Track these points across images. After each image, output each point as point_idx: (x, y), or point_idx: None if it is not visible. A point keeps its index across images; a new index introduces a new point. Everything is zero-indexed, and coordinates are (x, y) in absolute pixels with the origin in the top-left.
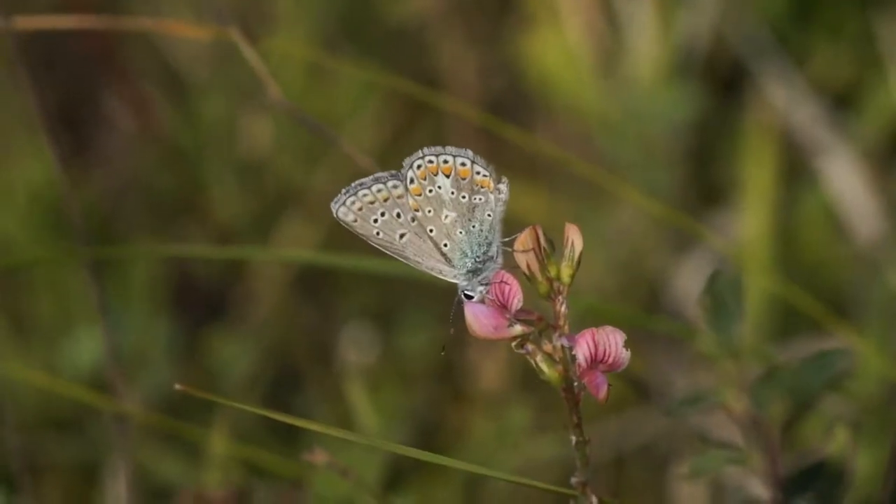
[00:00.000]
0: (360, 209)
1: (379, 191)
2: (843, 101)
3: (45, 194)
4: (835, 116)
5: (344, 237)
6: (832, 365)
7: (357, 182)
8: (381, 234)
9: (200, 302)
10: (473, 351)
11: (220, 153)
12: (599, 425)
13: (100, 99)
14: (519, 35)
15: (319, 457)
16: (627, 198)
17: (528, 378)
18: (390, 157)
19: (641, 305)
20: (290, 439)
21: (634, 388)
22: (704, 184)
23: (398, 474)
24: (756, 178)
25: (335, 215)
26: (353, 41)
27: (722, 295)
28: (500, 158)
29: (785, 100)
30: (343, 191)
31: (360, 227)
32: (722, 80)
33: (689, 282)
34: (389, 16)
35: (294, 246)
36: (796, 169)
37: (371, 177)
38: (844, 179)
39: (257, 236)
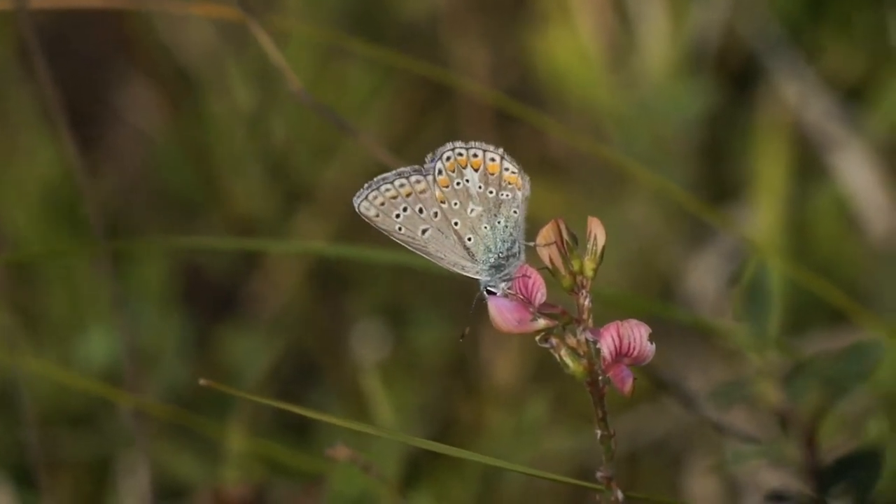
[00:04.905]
0: (382, 204)
1: (401, 185)
2: (855, 96)
3: (56, 189)
4: (847, 111)
5: (356, 232)
6: (866, 356)
7: (380, 177)
8: (402, 230)
9: (213, 298)
10: (486, 346)
11: (233, 147)
12: (613, 421)
13: (109, 94)
14: (531, 32)
15: (342, 453)
16: (643, 187)
17: (541, 372)
18: (402, 152)
19: (655, 300)
20: (304, 436)
21: (651, 382)
22: (716, 179)
23: (414, 469)
24: (768, 173)
25: (357, 210)
26: (364, 38)
27: (753, 286)
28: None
29: (797, 95)
30: (365, 185)
31: (381, 223)
32: (734, 76)
33: (702, 277)
34: (400, 13)
35: (307, 240)
36: (809, 164)
37: (394, 171)
38: (857, 174)
39: (270, 231)
